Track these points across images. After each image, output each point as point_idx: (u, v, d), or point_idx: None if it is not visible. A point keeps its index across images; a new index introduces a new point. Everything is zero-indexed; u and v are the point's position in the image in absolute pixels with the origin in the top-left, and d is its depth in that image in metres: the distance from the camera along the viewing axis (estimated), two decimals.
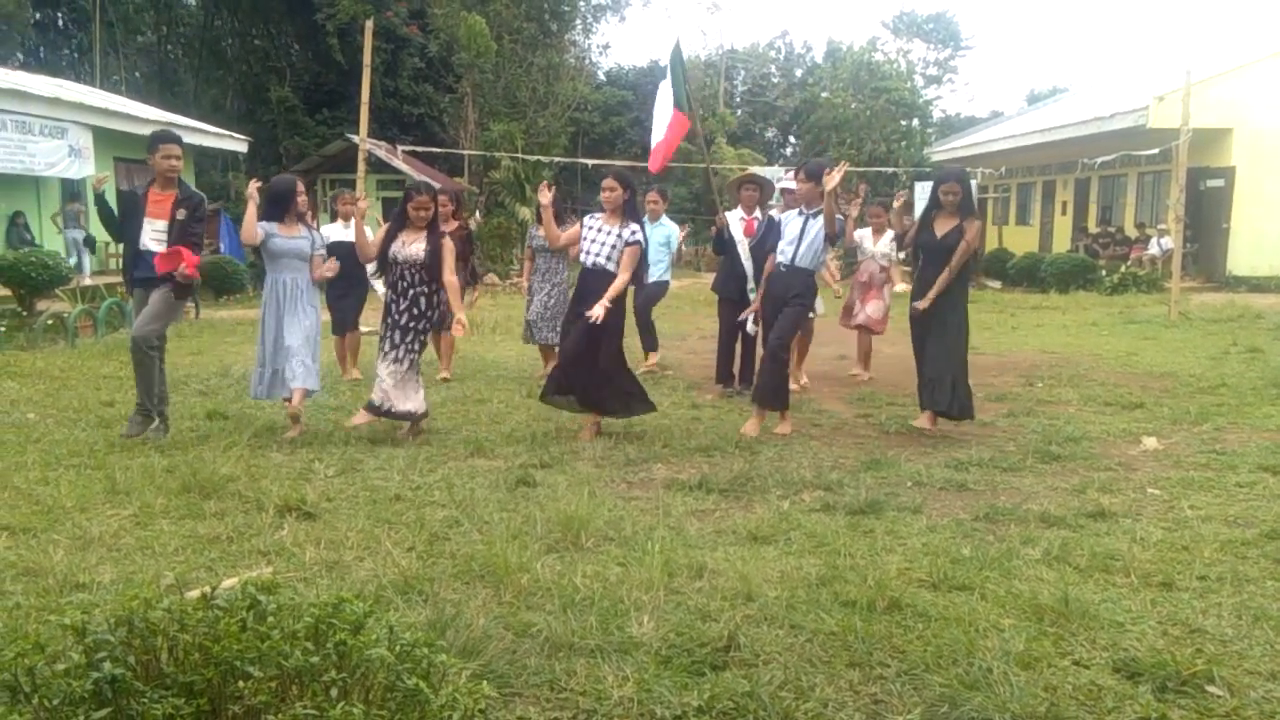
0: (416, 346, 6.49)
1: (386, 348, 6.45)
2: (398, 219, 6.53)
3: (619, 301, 6.43)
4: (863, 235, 9.15)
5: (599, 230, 6.46)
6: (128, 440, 6.16)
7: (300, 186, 6.68)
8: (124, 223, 6.31)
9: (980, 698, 2.83)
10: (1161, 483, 5.29)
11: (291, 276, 6.47)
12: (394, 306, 6.49)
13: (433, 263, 6.41)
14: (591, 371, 6.38)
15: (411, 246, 6.41)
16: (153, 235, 6.22)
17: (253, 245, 6.58)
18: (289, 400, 6.47)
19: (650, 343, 9.39)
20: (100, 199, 6.28)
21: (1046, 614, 3.42)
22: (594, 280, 6.39)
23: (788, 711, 2.78)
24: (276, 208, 6.50)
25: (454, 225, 8.57)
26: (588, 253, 6.44)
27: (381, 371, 6.40)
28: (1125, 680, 2.99)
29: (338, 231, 8.66)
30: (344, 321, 9.07)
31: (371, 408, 6.42)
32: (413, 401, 6.42)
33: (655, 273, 9.09)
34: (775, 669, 3.04)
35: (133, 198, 6.34)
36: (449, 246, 6.52)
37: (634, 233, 6.39)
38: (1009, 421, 7.02)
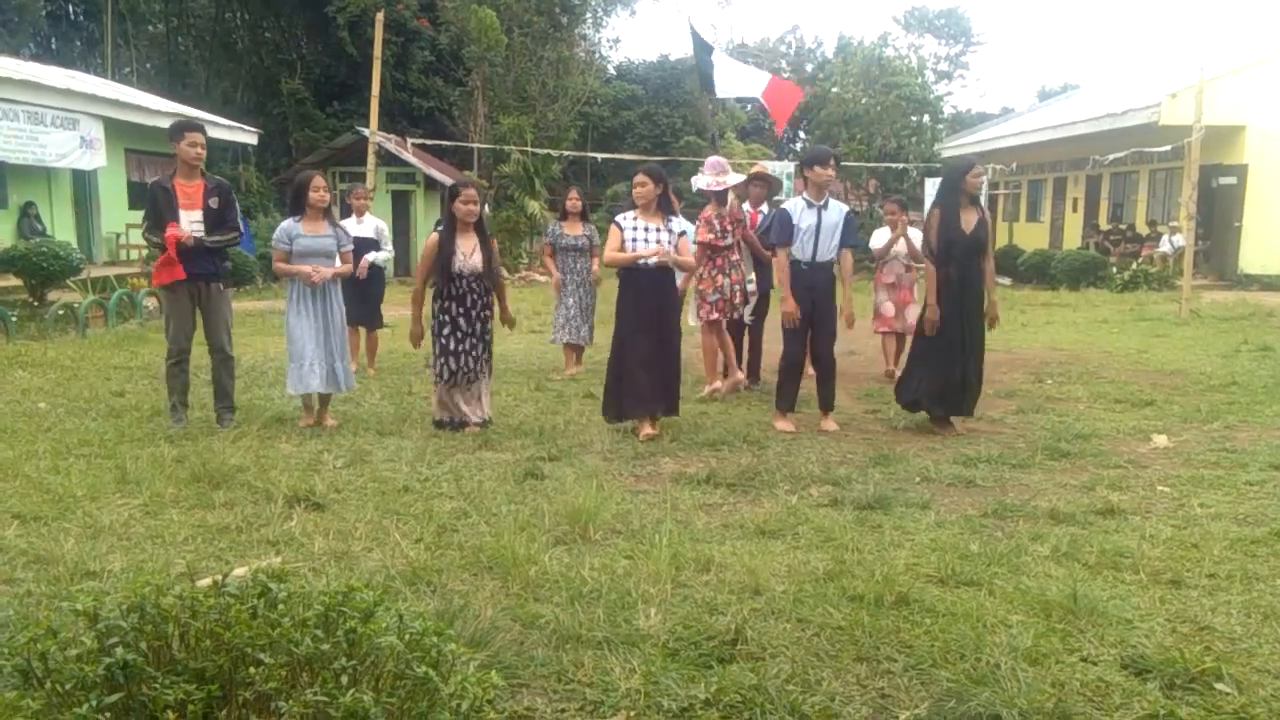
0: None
1: (475, 364, 6.37)
2: (449, 225, 6.34)
3: (677, 301, 6.67)
4: (881, 235, 8.93)
5: (644, 230, 6.26)
6: (213, 431, 6.21)
7: (320, 181, 6.49)
8: (162, 218, 6.14)
9: (988, 693, 2.82)
10: (1171, 480, 5.28)
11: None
12: (463, 323, 6.33)
13: (490, 268, 6.34)
14: (676, 373, 6.43)
15: (473, 258, 6.30)
16: (191, 227, 6.14)
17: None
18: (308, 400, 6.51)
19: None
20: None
21: (1055, 610, 3.42)
22: (655, 281, 6.26)
23: (794, 705, 2.78)
24: (295, 204, 6.45)
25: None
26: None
27: (482, 389, 6.48)
28: (1133, 677, 2.99)
29: (350, 227, 8.58)
30: (367, 317, 8.87)
31: (482, 423, 6.44)
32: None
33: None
34: (782, 662, 3.04)
35: (165, 193, 6.17)
36: (494, 244, 6.48)
37: (678, 223, 6.44)
38: (1018, 418, 7.00)
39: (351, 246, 6.72)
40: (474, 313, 6.36)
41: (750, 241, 7.86)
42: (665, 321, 6.32)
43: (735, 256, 7.61)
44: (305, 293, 6.38)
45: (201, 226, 6.18)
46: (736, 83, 8.88)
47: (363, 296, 8.51)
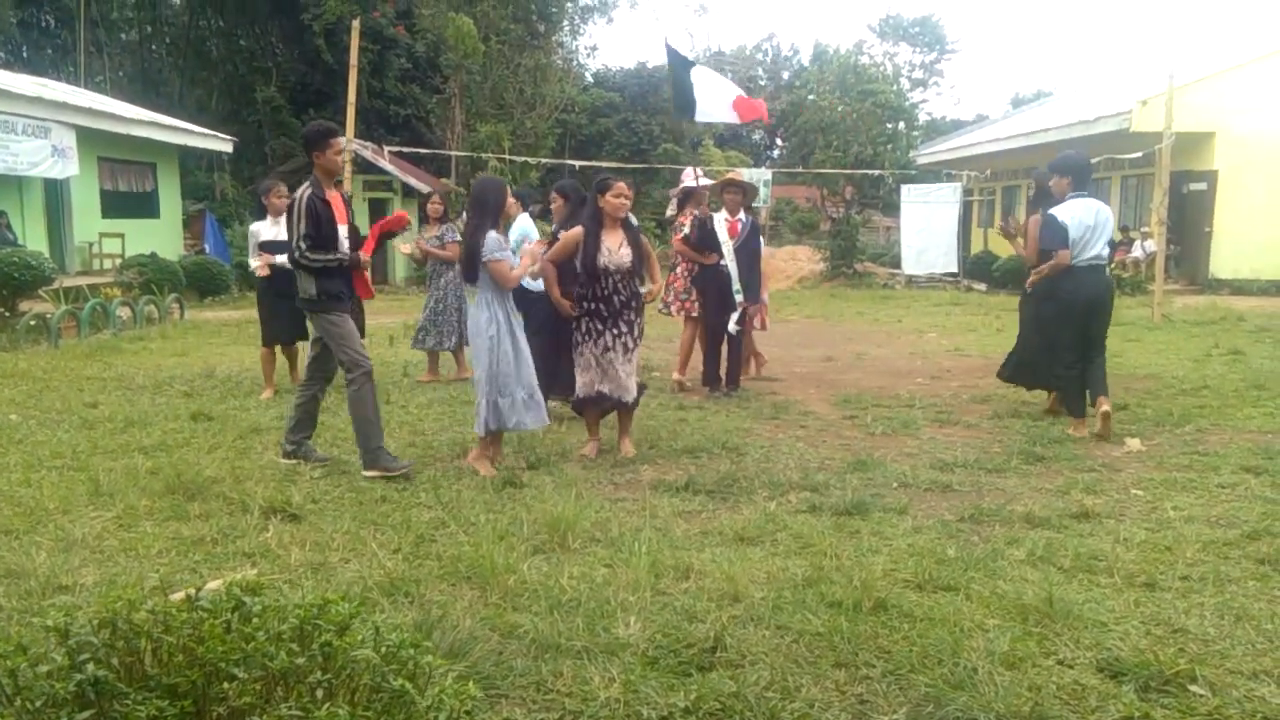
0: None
1: (623, 353, 5.98)
2: (593, 220, 5.93)
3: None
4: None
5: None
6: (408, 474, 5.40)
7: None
8: (326, 234, 5.52)
9: (965, 697, 2.84)
10: (1145, 484, 5.33)
11: (506, 291, 5.70)
12: (618, 323, 5.95)
13: (640, 264, 6.01)
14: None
15: (621, 252, 5.90)
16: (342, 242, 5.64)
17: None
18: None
19: None
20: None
21: (1031, 614, 3.44)
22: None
23: (774, 712, 2.79)
24: (490, 217, 5.65)
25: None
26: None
27: (623, 375, 5.99)
28: (1109, 680, 3.01)
29: (264, 230, 7.98)
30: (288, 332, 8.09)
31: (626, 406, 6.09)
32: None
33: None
34: (761, 669, 3.04)
35: (327, 207, 5.51)
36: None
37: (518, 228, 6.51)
38: (993, 423, 7.05)
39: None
40: (622, 314, 5.97)
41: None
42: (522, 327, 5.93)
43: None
44: (502, 319, 5.62)
45: (348, 242, 5.72)
46: (715, 102, 8.86)
47: (289, 309, 7.48)
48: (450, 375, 8.95)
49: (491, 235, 5.53)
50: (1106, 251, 6.73)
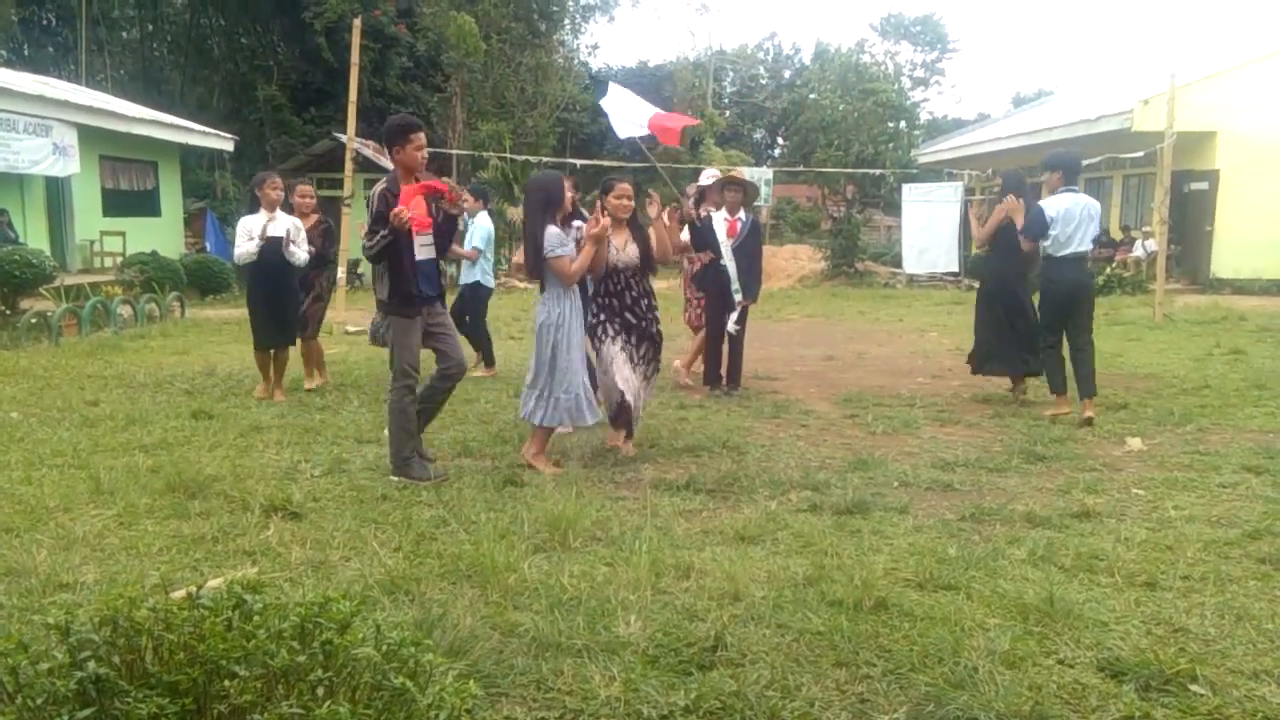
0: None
1: (639, 362, 6.03)
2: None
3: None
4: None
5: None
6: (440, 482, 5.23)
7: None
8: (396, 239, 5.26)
9: (965, 697, 2.84)
10: (1146, 483, 5.33)
11: (571, 285, 5.67)
12: (634, 310, 6.00)
13: (648, 262, 6.04)
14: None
15: (628, 249, 5.93)
16: (422, 244, 5.39)
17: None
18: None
19: (489, 355, 9.20)
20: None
21: (1031, 613, 3.44)
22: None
23: (774, 711, 2.79)
24: (550, 212, 5.61)
25: (312, 220, 8.04)
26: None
27: (640, 387, 6.04)
28: (1109, 679, 3.01)
29: (256, 224, 7.57)
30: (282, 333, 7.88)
31: (630, 427, 6.08)
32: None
33: (475, 275, 8.96)
34: (762, 668, 3.04)
35: (395, 201, 5.22)
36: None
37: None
38: (995, 422, 7.05)
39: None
40: (637, 307, 6.02)
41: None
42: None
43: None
44: (572, 317, 5.64)
45: (432, 243, 5.48)
46: (630, 122, 9.02)
47: (278, 310, 7.70)
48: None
49: (552, 231, 5.54)
50: (1090, 247, 7.17)
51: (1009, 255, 7.65)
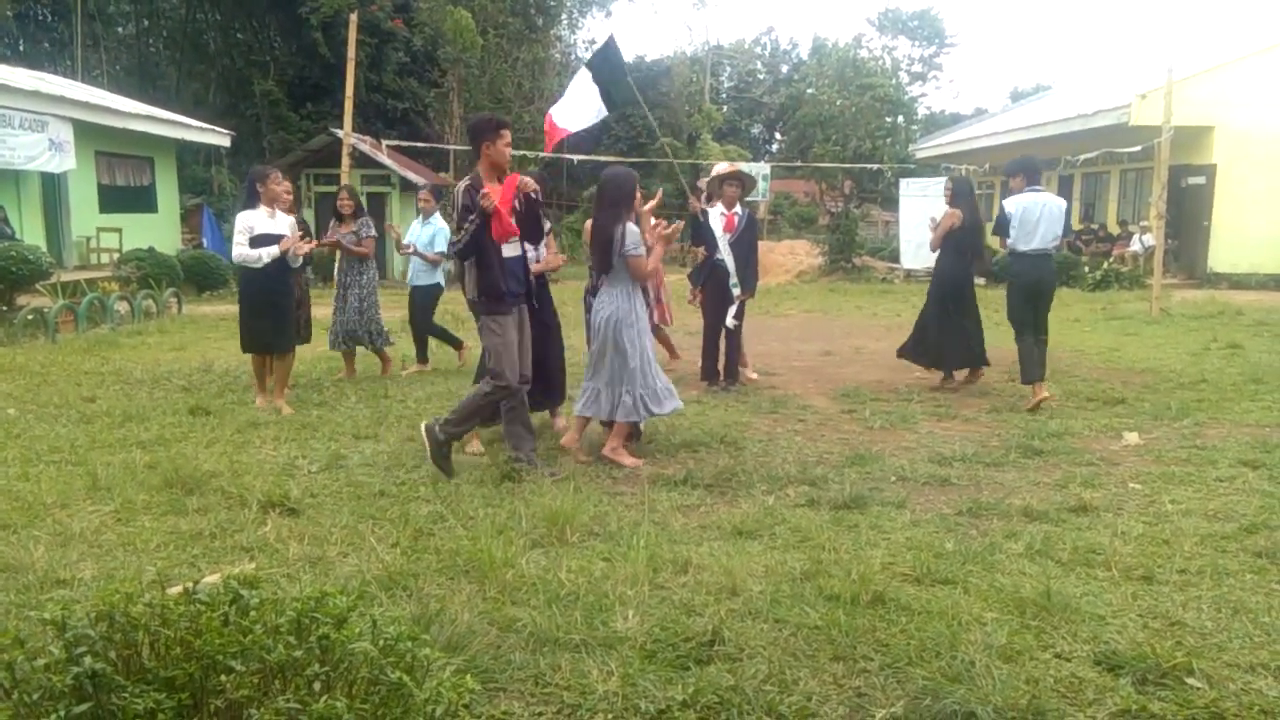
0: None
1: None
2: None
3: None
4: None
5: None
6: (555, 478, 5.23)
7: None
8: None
9: (963, 690, 2.84)
10: (1142, 477, 5.33)
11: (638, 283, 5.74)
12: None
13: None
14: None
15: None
16: (510, 242, 5.36)
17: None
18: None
19: (422, 353, 9.16)
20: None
21: (1028, 607, 3.45)
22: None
23: (772, 705, 2.79)
24: (625, 208, 5.64)
25: (290, 219, 7.62)
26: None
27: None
28: (1106, 673, 3.02)
29: (256, 220, 7.01)
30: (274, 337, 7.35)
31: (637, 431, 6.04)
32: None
33: (425, 276, 8.94)
34: (759, 663, 3.04)
35: (480, 211, 5.17)
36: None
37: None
38: (992, 417, 7.05)
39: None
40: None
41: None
42: None
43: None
44: (641, 300, 5.73)
45: (518, 241, 5.43)
46: (577, 114, 9.12)
47: (271, 311, 7.16)
48: (380, 372, 8.85)
49: (632, 229, 5.59)
50: (1055, 244, 7.52)
51: (958, 257, 8.25)
